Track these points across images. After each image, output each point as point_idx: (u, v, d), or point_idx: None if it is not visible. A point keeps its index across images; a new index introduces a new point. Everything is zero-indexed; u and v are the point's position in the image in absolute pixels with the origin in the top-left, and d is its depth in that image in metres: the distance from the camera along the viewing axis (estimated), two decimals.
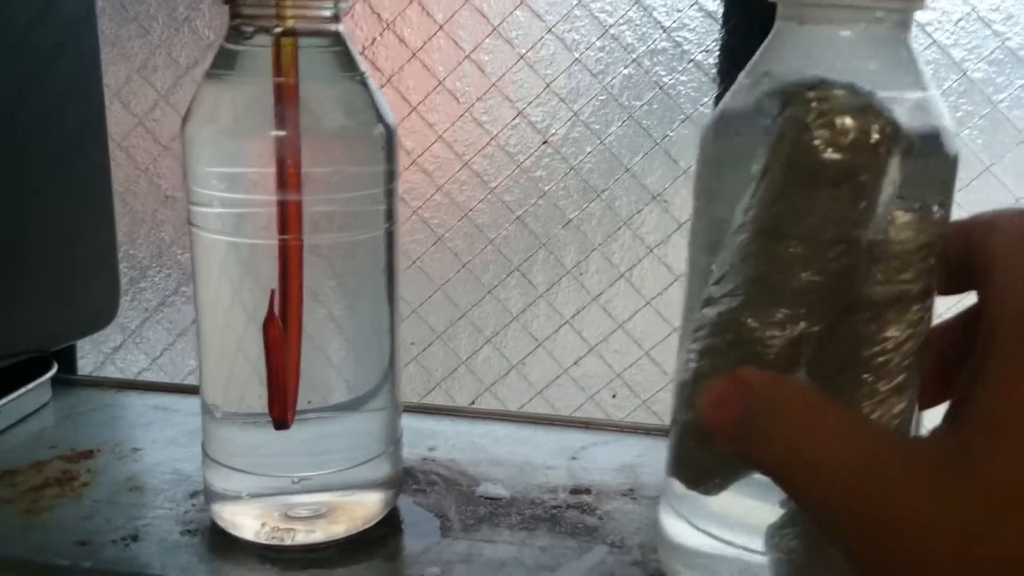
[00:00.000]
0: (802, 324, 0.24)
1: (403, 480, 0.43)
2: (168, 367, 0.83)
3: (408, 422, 0.43)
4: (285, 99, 0.34)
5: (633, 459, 0.47)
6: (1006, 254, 0.23)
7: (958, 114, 0.68)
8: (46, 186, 0.51)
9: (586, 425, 0.51)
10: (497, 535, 0.40)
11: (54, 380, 0.53)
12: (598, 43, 0.72)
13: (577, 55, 0.72)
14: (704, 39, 0.71)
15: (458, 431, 0.50)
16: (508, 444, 0.49)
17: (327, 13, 0.36)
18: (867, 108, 0.23)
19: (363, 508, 0.40)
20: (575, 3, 0.70)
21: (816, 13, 0.29)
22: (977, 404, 0.21)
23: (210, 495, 0.40)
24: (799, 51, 0.30)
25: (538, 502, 0.43)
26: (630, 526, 0.41)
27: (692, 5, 0.70)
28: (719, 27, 0.66)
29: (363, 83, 0.37)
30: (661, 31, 0.71)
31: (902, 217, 0.25)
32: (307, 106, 0.35)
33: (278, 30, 0.34)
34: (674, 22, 0.71)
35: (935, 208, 0.26)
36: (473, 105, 0.74)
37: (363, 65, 0.37)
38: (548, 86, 0.73)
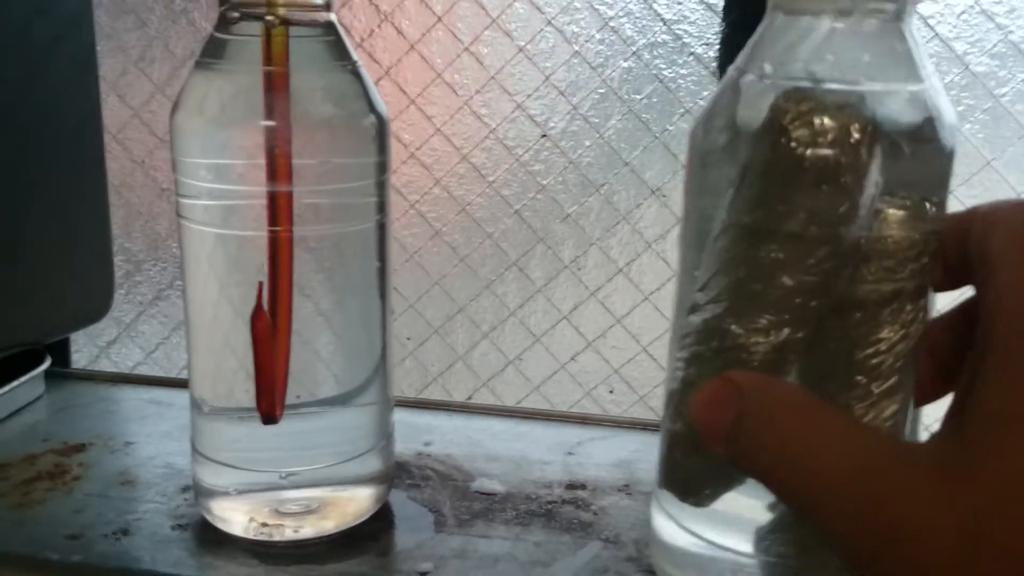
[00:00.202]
0: (786, 330, 0.24)
1: (395, 475, 0.43)
2: (163, 361, 0.82)
3: (404, 417, 0.42)
4: (275, 88, 0.34)
5: (629, 455, 0.47)
6: (1006, 248, 0.23)
7: (960, 108, 0.68)
8: (41, 178, 0.50)
9: (583, 421, 0.51)
10: (492, 530, 0.40)
11: (48, 373, 0.52)
12: (598, 36, 0.71)
13: (576, 48, 0.72)
14: (705, 32, 0.71)
15: (454, 426, 0.50)
16: (504, 439, 0.49)
17: (319, 1, 0.35)
18: (846, 107, 0.23)
19: (353, 504, 0.39)
20: None
21: (806, 4, 0.28)
22: (977, 403, 0.21)
23: (199, 490, 0.39)
24: (789, 43, 0.29)
25: (533, 497, 0.43)
26: (625, 522, 0.41)
27: None
28: (720, 20, 0.66)
29: (355, 73, 0.37)
30: (661, 24, 0.71)
31: (893, 214, 0.24)
32: (297, 95, 0.34)
33: (270, 18, 0.34)
34: (674, 15, 0.71)
35: (928, 205, 0.25)
36: (472, 98, 0.73)
37: (355, 54, 0.37)
38: (547, 79, 0.72)
